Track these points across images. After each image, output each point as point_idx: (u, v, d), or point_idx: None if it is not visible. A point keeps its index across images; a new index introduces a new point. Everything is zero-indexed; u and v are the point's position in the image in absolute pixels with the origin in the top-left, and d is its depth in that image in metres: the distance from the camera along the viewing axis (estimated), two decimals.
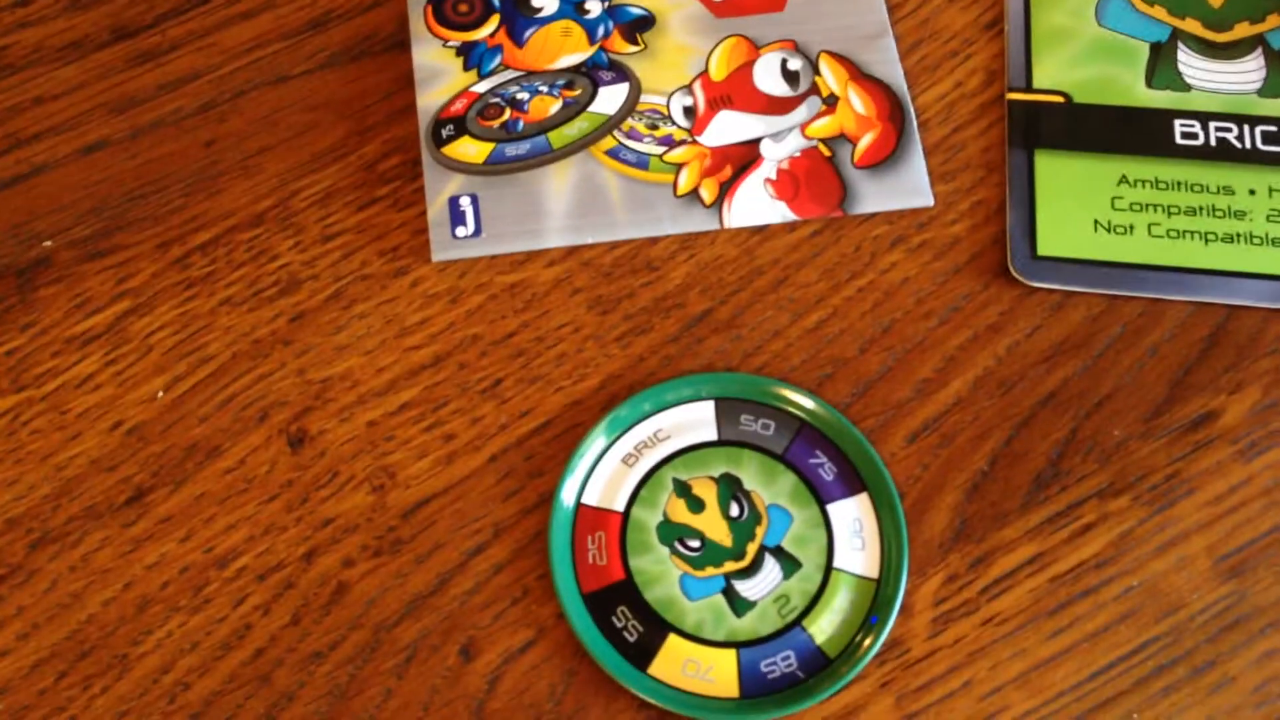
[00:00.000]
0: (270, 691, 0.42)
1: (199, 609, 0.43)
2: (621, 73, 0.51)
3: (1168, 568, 0.44)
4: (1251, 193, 0.48)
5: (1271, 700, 0.42)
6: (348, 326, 0.47)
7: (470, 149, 0.49)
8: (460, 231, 0.48)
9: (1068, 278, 0.47)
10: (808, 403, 0.45)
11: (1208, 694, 0.42)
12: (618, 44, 0.51)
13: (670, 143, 0.49)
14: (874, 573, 0.43)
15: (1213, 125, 0.49)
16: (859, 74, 0.51)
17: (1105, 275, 0.47)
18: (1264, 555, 0.44)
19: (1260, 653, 0.42)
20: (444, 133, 0.49)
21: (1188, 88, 0.50)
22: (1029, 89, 0.51)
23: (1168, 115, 0.50)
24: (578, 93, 0.50)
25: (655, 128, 0.50)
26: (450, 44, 0.51)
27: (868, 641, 0.42)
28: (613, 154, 0.49)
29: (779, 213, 0.48)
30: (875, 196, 0.49)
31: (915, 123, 0.50)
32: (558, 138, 0.49)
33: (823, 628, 0.43)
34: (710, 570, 0.44)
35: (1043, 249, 0.48)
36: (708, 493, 0.44)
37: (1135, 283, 0.47)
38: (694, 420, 0.45)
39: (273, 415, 0.46)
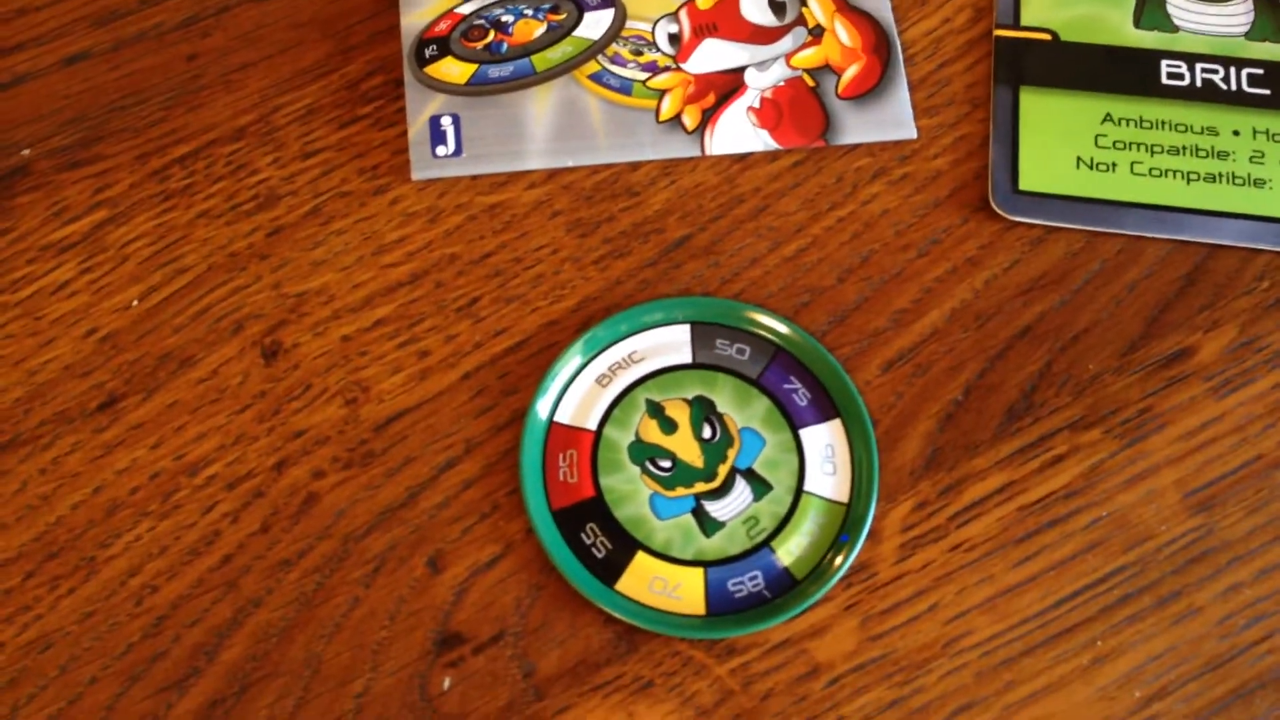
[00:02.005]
0: (237, 597, 0.42)
1: (168, 515, 0.43)
2: None
3: (1136, 500, 0.44)
4: (1235, 134, 0.48)
5: (1235, 632, 0.42)
6: (325, 242, 0.47)
7: (453, 69, 0.49)
8: (441, 151, 0.48)
9: (1048, 213, 0.47)
10: (783, 328, 0.45)
11: (1172, 624, 0.42)
12: None
13: (654, 69, 0.49)
14: (844, 497, 0.44)
15: (1199, 66, 0.49)
16: (846, 6, 0.50)
17: (1086, 212, 0.47)
18: (1233, 491, 0.44)
19: (1226, 585, 0.42)
20: (427, 53, 0.49)
21: (1175, 29, 0.50)
22: (1017, 26, 0.50)
23: (1155, 55, 0.50)
24: (563, 17, 0.50)
25: (639, 54, 0.49)
26: None
27: (836, 563, 0.42)
28: (596, 79, 0.49)
29: (761, 141, 0.48)
30: (858, 128, 0.49)
31: (901, 56, 0.50)
32: (541, 61, 0.49)
33: (790, 549, 0.43)
34: (681, 490, 0.44)
35: (1024, 184, 0.48)
36: (681, 414, 0.44)
37: (1116, 220, 0.47)
38: (669, 343, 0.45)
39: (247, 327, 0.46)
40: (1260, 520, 0.43)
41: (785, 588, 0.42)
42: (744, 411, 0.44)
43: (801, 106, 0.49)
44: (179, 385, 0.45)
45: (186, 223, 0.47)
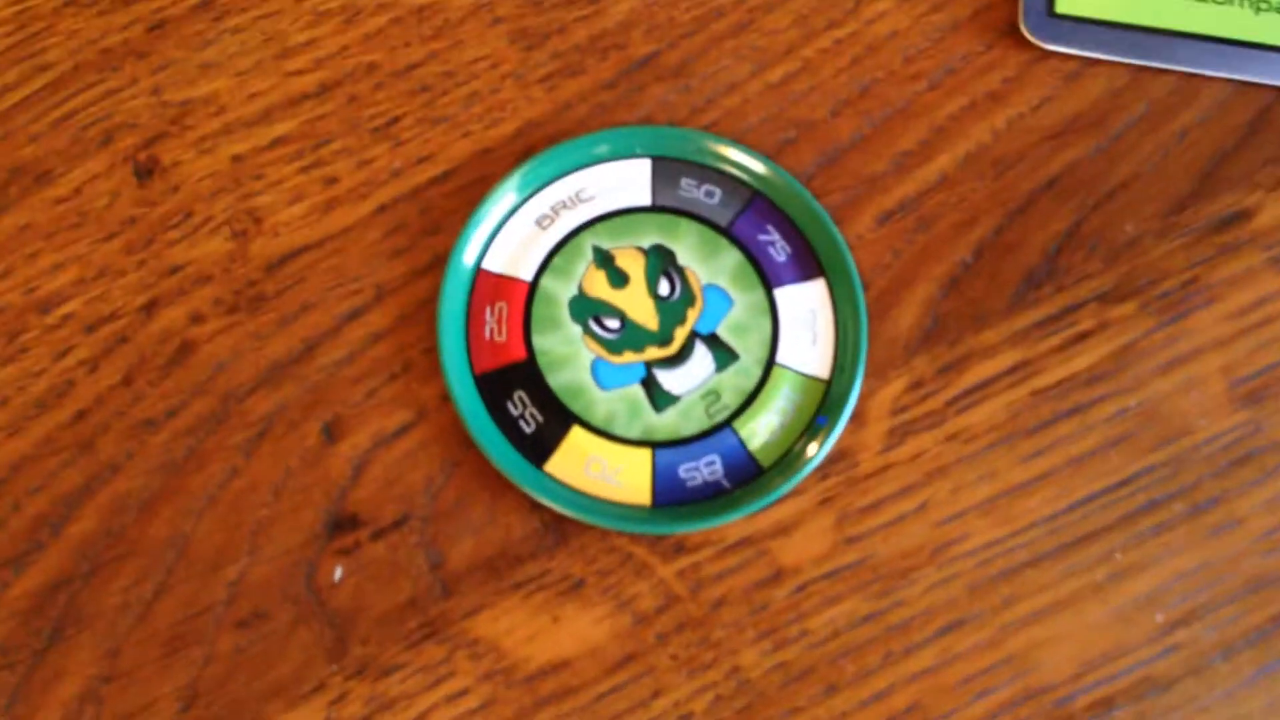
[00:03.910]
0: (91, 460, 0.36)
1: (13, 359, 0.36)
2: None
3: (1173, 388, 0.37)
4: None
5: None
6: (217, 41, 0.39)
7: None
8: None
9: (1089, 42, 0.40)
10: (761, 168, 0.38)
11: (1206, 535, 0.36)
12: None
13: None
14: (824, 373, 0.37)
15: None
16: None
17: (1134, 42, 0.40)
18: None
19: (1274, 493, 0.36)
20: None
21: None
22: None
23: None
24: None
25: None
26: None
27: (810, 450, 0.35)
28: None
29: None
30: None
31: None
32: None
33: (757, 431, 0.36)
34: (629, 356, 0.36)
35: (1062, 6, 0.40)
36: (634, 265, 0.37)
37: (1169, 53, 0.39)
38: (625, 180, 0.38)
39: (118, 139, 0.38)
40: None
41: (748, 477, 0.36)
42: (710, 265, 0.37)
43: None
44: (33, 205, 0.38)
45: (51, 11, 0.39)
